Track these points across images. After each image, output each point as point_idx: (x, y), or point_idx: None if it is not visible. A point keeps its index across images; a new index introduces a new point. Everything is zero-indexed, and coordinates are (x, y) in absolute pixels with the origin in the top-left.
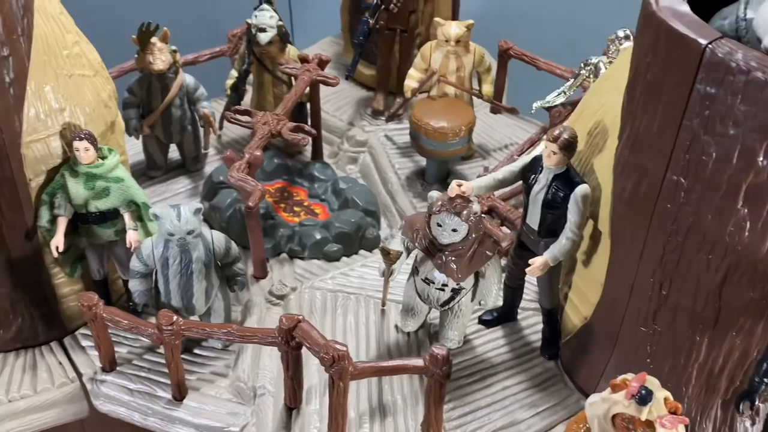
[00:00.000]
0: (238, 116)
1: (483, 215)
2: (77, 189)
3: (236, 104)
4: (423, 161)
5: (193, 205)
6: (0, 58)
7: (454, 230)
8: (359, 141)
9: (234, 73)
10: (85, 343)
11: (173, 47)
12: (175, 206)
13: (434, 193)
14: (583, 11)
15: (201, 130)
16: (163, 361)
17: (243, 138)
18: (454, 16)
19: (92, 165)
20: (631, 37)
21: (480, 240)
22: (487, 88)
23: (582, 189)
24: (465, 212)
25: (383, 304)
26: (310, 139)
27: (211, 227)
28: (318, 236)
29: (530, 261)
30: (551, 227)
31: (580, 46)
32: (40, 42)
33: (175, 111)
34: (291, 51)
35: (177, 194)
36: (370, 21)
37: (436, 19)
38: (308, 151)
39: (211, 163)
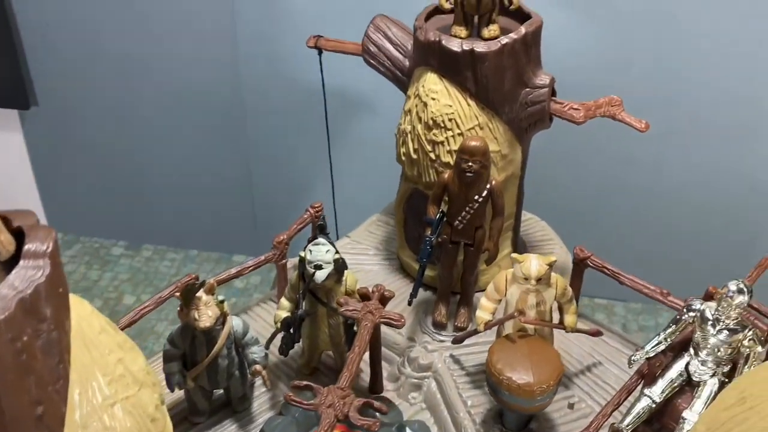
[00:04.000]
0: (297, 399)
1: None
2: None
3: (290, 346)
4: None
5: None
6: (34, 419)
7: None
8: (422, 365)
9: (285, 304)
10: None
11: (220, 297)
12: None
13: None
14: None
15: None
16: None
17: (290, 357)
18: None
19: None
20: (745, 291)
21: None
22: (571, 320)
23: None
24: None
25: None
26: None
27: None
28: None
29: None
30: None
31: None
32: (76, 381)
33: (222, 361)
34: (348, 279)
35: None
36: (433, 239)
37: (513, 255)
38: (367, 373)
39: (258, 397)
